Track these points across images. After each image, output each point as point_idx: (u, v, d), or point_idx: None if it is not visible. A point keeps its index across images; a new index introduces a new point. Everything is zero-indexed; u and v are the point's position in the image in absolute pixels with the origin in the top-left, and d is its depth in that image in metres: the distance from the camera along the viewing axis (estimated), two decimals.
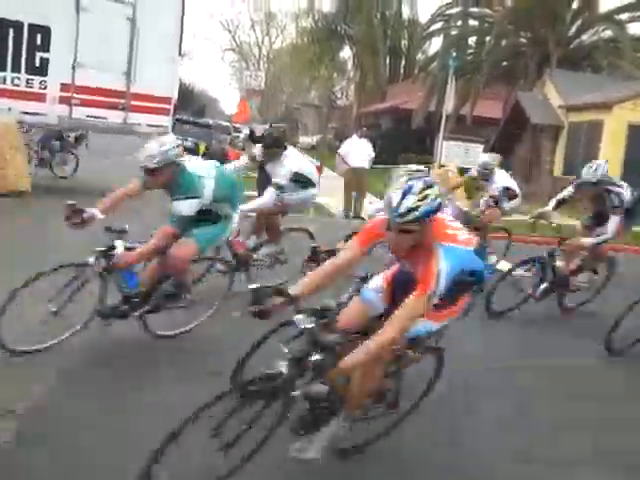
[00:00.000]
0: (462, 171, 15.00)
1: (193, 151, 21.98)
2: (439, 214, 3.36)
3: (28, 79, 11.94)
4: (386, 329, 3.20)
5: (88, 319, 5.06)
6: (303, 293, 3.34)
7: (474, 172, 9.00)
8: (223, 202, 5.46)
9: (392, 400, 3.98)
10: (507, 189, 8.80)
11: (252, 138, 15.76)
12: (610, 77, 26.20)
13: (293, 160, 7.16)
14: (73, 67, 12.22)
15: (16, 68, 11.81)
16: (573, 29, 29.01)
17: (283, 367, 3.19)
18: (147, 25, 12.66)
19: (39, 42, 11.90)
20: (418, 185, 3.18)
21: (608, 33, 28.75)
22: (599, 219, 7.53)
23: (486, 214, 8.61)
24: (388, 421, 4.05)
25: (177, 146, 5.04)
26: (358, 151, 14.78)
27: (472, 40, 32.56)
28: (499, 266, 8.98)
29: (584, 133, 22.24)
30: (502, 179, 8.87)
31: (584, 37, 29.83)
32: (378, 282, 3.91)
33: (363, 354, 3.19)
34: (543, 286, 7.36)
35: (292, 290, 3.32)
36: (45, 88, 12.10)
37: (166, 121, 13.53)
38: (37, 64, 11.97)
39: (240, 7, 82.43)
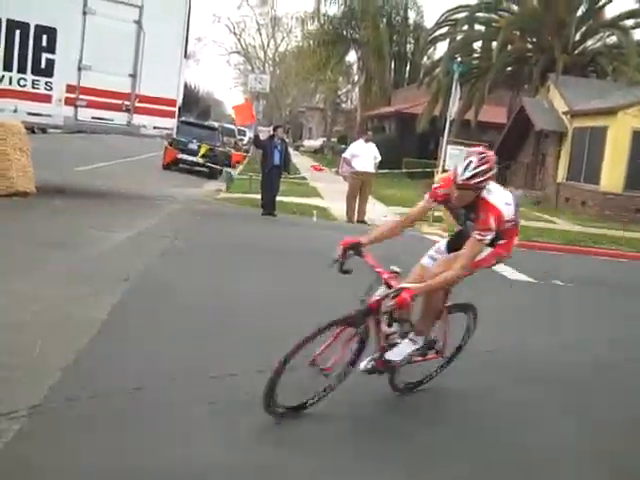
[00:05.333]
0: None
1: (195, 152, 22.04)
2: None
3: (34, 80, 11.97)
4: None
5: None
6: None
7: None
8: None
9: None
10: None
11: (256, 143, 15.24)
12: (615, 83, 26.21)
13: None
14: (79, 68, 12.25)
15: (22, 69, 11.84)
16: (578, 35, 29.00)
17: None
18: (153, 27, 12.68)
19: (45, 43, 11.93)
20: None
21: (613, 39, 28.74)
22: None
23: None
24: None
25: None
26: (364, 155, 14.73)
27: (477, 45, 32.56)
28: None
29: (588, 139, 22.19)
30: None
31: (589, 43, 29.83)
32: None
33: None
34: None
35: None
36: (51, 89, 12.13)
37: (171, 123, 13.56)
38: (43, 65, 11.99)
39: (246, 10, 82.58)
